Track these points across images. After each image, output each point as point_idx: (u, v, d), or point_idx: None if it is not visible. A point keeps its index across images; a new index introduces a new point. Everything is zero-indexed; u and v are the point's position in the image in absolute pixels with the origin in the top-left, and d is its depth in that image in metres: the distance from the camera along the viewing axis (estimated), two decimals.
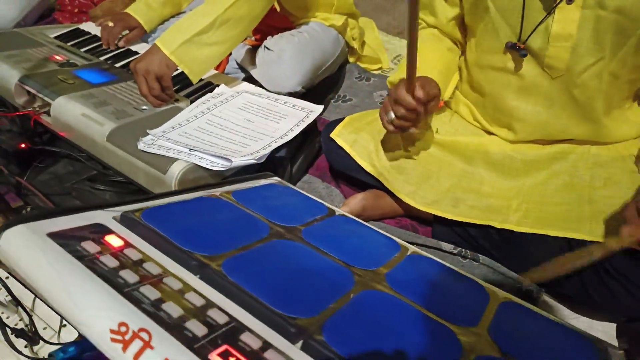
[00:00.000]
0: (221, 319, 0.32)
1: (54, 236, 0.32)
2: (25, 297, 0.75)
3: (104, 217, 0.38)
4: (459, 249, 0.80)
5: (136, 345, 0.26)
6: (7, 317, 0.73)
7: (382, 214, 0.87)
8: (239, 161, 0.75)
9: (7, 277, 0.71)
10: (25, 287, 0.68)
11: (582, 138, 0.75)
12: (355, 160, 0.84)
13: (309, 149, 0.99)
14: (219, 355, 0.27)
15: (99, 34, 1.22)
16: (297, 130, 0.88)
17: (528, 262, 0.72)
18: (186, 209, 0.46)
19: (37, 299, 0.76)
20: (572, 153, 0.75)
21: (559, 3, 0.64)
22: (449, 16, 0.79)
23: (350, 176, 0.90)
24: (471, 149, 0.81)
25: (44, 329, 0.73)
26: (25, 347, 0.70)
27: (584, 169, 0.73)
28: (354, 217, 0.66)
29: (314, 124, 0.95)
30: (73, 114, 0.87)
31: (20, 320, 0.73)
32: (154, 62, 0.87)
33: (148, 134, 0.81)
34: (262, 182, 0.70)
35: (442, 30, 0.82)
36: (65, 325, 0.73)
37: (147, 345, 0.25)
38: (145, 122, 0.86)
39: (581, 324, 0.70)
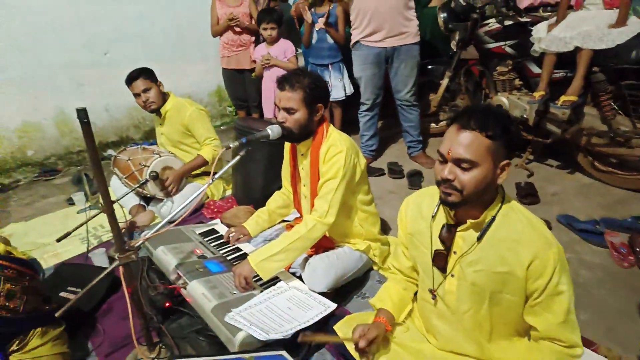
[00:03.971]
0: None
1: None
2: None
3: None
4: None
5: None
6: None
7: None
8: (274, 336, 1.34)
9: None
10: None
11: (473, 355, 1.19)
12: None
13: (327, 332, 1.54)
14: None
15: (223, 233, 2.03)
16: (316, 319, 1.46)
17: None
18: None
19: None
20: None
21: (448, 275, 1.18)
22: (407, 265, 1.36)
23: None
24: (417, 350, 1.28)
25: None
26: None
27: None
28: None
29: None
30: (197, 292, 1.58)
31: None
32: (244, 269, 1.57)
33: (231, 311, 1.46)
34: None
35: (404, 273, 1.38)
36: None
37: None
38: (232, 303, 1.52)
39: None
